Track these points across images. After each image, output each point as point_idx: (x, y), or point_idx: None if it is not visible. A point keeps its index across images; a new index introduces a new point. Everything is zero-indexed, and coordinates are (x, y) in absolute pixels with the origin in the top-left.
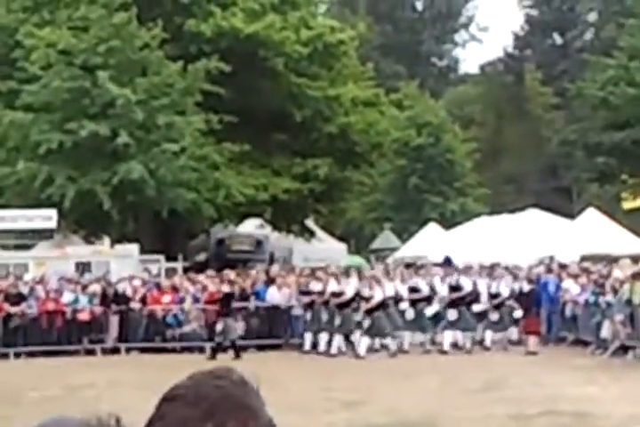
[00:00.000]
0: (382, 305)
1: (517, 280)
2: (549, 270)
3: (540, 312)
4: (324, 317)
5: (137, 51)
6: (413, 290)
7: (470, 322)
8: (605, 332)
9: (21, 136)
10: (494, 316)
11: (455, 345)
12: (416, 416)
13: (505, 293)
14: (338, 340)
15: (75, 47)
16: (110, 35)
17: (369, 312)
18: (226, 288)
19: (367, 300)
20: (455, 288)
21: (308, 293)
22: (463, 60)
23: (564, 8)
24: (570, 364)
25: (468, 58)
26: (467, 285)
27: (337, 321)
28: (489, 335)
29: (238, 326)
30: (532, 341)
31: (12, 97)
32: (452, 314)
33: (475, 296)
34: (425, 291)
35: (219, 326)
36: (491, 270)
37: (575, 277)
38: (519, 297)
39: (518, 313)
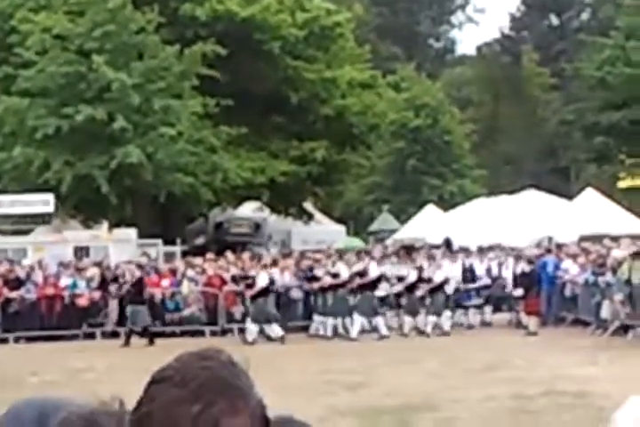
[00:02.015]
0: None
1: (517, 261)
2: (548, 251)
3: (540, 293)
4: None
5: (133, 35)
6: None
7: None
8: (605, 312)
9: (18, 121)
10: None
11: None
12: (417, 398)
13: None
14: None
15: (70, 32)
16: (106, 19)
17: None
18: (137, 274)
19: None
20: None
21: (313, 278)
22: (460, 42)
23: None
24: (570, 344)
25: (464, 39)
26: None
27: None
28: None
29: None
30: (533, 321)
31: (8, 82)
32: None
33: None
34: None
35: (127, 312)
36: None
37: (574, 257)
38: (519, 278)
39: (518, 292)
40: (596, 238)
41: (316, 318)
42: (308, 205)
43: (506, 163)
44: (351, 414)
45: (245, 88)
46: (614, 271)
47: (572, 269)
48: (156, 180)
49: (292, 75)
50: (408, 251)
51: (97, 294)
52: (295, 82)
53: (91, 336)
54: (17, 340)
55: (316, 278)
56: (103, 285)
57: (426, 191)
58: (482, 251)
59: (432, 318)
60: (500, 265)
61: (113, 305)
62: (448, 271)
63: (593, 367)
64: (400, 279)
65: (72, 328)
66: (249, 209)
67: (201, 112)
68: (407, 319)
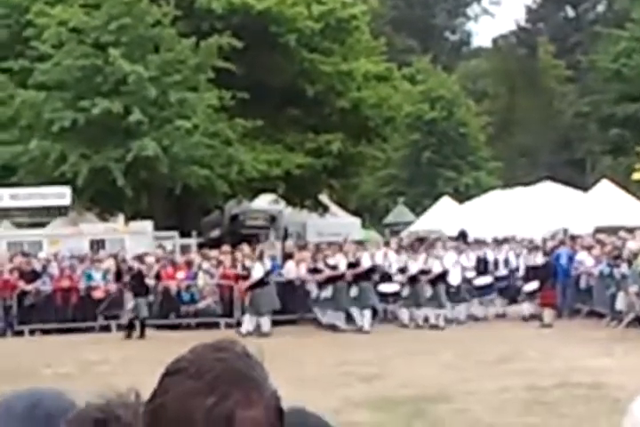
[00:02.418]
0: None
1: (532, 253)
2: (563, 243)
3: (555, 285)
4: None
5: (149, 28)
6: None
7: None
8: (620, 303)
9: (34, 114)
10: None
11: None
12: (432, 389)
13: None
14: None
15: (86, 25)
16: (122, 12)
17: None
18: (136, 266)
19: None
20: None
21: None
22: (476, 34)
23: None
24: (585, 336)
25: (480, 31)
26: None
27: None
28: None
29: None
30: (548, 313)
31: (24, 76)
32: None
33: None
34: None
35: (129, 305)
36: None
37: (589, 248)
38: (534, 270)
39: (531, 286)
40: (612, 230)
41: (315, 310)
42: (324, 198)
43: (521, 155)
44: (366, 405)
45: (261, 81)
46: (629, 263)
47: (587, 261)
48: (171, 172)
49: (307, 67)
50: (418, 243)
51: (113, 287)
52: (311, 75)
53: (106, 329)
54: (32, 332)
55: (317, 271)
56: (119, 277)
57: (441, 183)
58: (497, 243)
59: (436, 311)
60: (517, 257)
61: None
62: (451, 262)
63: (608, 359)
64: (402, 271)
65: (87, 321)
66: (264, 201)
67: (217, 105)
68: (416, 312)
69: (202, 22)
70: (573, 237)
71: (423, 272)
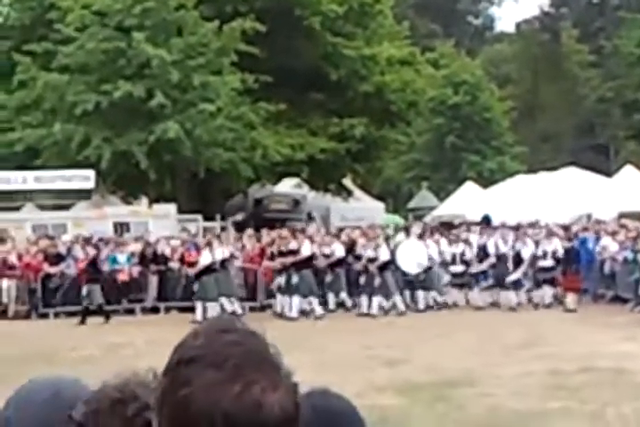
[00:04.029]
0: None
1: (555, 238)
2: (586, 229)
3: (579, 270)
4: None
5: (172, 11)
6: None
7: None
8: None
9: (57, 97)
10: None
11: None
12: (456, 373)
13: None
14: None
15: (110, 8)
16: None
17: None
18: (92, 252)
19: None
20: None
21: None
22: (499, 19)
23: None
24: (608, 321)
25: (503, 16)
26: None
27: (376, 283)
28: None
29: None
30: (571, 298)
31: (48, 58)
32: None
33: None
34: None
35: (83, 291)
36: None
37: (613, 234)
38: (559, 255)
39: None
40: (636, 215)
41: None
42: (348, 182)
43: (545, 140)
44: (389, 389)
45: (284, 64)
46: None
47: (611, 247)
48: (195, 155)
49: (331, 51)
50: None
51: (137, 270)
52: (334, 58)
53: (130, 312)
54: (57, 315)
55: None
56: (143, 260)
57: (465, 168)
58: (519, 228)
59: (378, 299)
60: (536, 243)
61: (153, 281)
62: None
63: (631, 344)
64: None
65: (112, 304)
66: (288, 186)
67: (240, 88)
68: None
69: (225, 6)
70: (599, 223)
71: (371, 260)
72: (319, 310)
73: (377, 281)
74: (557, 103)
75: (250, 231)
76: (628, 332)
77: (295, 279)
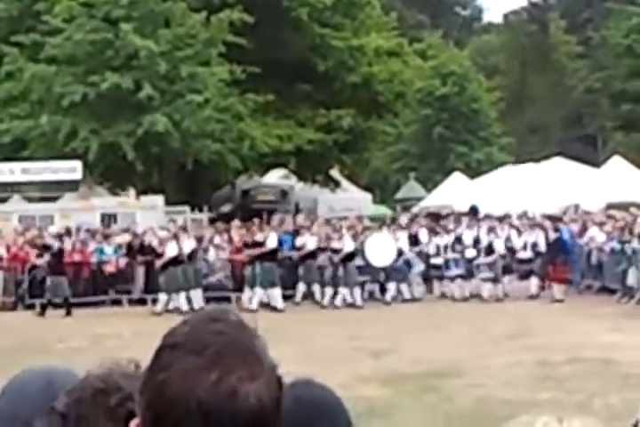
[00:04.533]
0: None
1: (537, 229)
2: (575, 219)
3: (566, 260)
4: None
5: (160, 2)
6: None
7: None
8: (631, 279)
9: (45, 89)
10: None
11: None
12: (443, 365)
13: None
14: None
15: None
16: None
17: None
18: (56, 245)
19: None
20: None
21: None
22: (487, 10)
23: None
24: (596, 312)
25: (491, 7)
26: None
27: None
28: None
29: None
30: (559, 289)
31: (35, 50)
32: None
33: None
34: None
35: (47, 283)
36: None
37: (600, 224)
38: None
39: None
40: (623, 206)
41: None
42: (335, 173)
43: (532, 131)
44: (375, 380)
45: (272, 55)
46: None
47: (598, 237)
48: (182, 147)
49: (319, 42)
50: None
51: (124, 261)
52: (322, 49)
53: (117, 303)
54: (44, 306)
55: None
56: (131, 252)
57: (452, 159)
58: (504, 219)
59: (342, 290)
60: (530, 234)
61: (140, 272)
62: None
63: (618, 335)
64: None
65: (99, 295)
66: (276, 177)
67: (228, 79)
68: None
69: None
70: (586, 213)
71: (321, 249)
72: (280, 302)
73: (340, 272)
74: (545, 94)
75: (237, 222)
76: (615, 323)
77: (258, 271)
